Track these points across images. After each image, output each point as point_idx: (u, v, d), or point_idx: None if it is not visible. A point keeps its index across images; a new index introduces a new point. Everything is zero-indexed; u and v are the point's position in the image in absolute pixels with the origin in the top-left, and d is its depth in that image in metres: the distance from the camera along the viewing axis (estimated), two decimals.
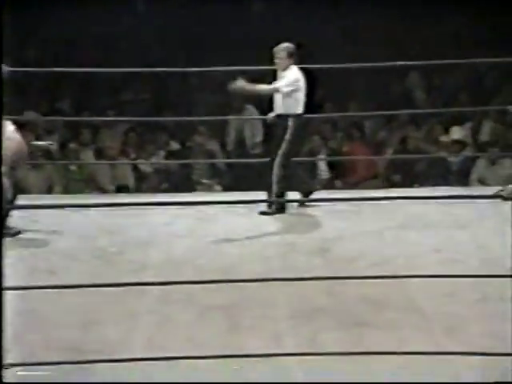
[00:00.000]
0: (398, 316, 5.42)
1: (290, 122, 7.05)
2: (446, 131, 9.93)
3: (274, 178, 7.01)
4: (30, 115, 7.28)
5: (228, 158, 9.95)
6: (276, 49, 7.15)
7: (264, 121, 8.56)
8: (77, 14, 11.32)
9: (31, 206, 7.17)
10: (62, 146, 9.41)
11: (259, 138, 9.95)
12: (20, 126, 6.64)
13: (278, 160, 7.01)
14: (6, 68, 7.13)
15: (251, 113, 9.83)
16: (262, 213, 6.98)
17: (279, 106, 7.14)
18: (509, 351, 4.78)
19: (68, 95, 10.87)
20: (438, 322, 5.37)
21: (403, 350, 4.78)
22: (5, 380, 4.06)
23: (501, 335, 5.09)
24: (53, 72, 8.90)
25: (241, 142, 10.06)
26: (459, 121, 10.08)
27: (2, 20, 3.90)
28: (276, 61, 7.15)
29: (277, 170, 7.01)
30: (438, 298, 5.55)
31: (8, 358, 4.27)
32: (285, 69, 7.10)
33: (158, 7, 11.89)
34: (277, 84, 7.08)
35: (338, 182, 9.61)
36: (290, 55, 7.12)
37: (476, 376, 4.80)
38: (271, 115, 7.25)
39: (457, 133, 9.85)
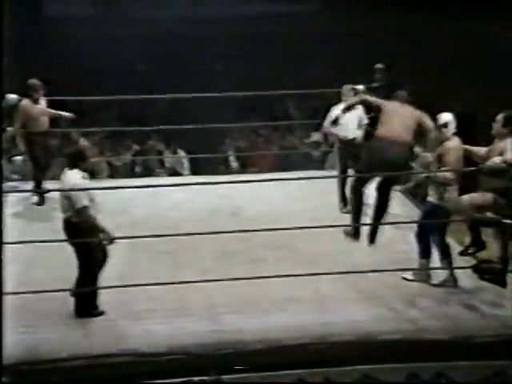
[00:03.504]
0: (283, 254, 5.49)
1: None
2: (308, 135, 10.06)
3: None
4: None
5: None
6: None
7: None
8: None
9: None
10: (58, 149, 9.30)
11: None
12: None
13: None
14: (14, 97, 7.00)
15: None
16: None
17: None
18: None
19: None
20: (306, 256, 5.40)
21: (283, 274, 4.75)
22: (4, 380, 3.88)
23: (345, 263, 5.19)
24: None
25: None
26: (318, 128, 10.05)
27: (2, 20, 3.32)
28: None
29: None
30: (306, 242, 5.54)
31: None
32: None
33: None
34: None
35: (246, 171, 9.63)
36: None
37: (328, 290, 4.92)
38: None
39: (315, 136, 9.79)
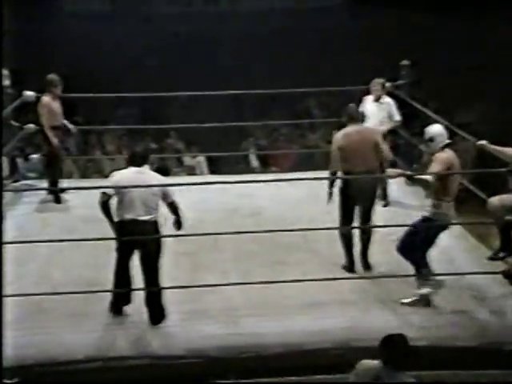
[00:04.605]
0: (303, 256, 5.46)
1: None
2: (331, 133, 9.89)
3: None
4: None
5: None
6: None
7: None
8: None
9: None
10: (77, 146, 9.38)
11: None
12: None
13: None
14: (31, 94, 7.05)
15: None
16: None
17: None
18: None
19: (81, 112, 10.74)
20: (327, 258, 5.41)
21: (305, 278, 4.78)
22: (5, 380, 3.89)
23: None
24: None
25: None
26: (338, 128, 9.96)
27: (2, 20, 3.34)
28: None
29: None
30: (326, 244, 5.53)
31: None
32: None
33: None
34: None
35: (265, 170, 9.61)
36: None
37: (354, 295, 4.90)
38: None
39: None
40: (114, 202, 4.69)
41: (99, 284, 4.88)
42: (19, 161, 7.65)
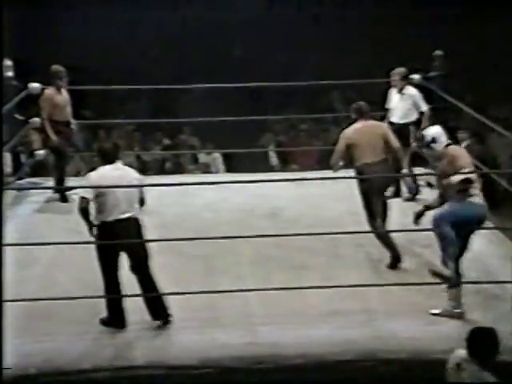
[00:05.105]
0: (325, 260, 5.45)
1: None
2: None
3: None
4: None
5: None
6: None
7: None
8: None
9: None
10: (86, 142, 9.42)
11: None
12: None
13: None
14: (37, 85, 7.07)
15: None
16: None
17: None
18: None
19: (90, 105, 10.79)
20: (351, 263, 5.39)
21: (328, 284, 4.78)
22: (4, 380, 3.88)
23: (395, 271, 5.21)
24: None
25: None
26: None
27: (2, 19, 3.42)
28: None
29: None
30: (351, 247, 5.55)
31: None
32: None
33: None
34: None
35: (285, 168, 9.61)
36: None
37: (377, 301, 4.88)
38: None
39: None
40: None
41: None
42: (23, 157, 7.71)
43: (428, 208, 4.99)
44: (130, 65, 10.77)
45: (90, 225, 4.69)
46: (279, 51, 10.99)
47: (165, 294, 4.75)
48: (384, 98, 6.81)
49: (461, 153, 4.96)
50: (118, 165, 4.82)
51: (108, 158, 4.79)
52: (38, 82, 7.00)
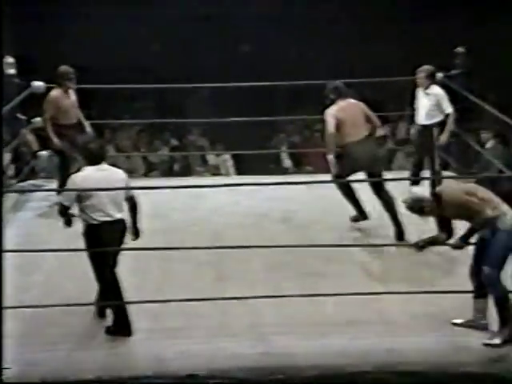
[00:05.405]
0: (341, 267, 5.41)
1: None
2: None
3: None
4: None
5: None
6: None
7: None
8: None
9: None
10: None
11: None
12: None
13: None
14: (41, 84, 7.07)
15: None
16: None
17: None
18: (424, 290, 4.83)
19: (94, 105, 10.80)
20: (368, 271, 5.39)
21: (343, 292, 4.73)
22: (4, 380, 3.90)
23: (415, 280, 5.18)
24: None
25: None
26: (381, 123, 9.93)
27: (2, 18, 3.45)
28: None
29: None
30: (368, 254, 5.53)
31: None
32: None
33: None
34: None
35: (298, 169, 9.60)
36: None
37: (395, 311, 4.86)
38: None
39: (380, 131, 9.71)
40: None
41: None
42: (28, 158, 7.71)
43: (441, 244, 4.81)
44: (136, 63, 10.78)
45: (68, 219, 4.73)
46: (292, 48, 10.97)
47: (173, 300, 4.73)
48: (412, 97, 6.73)
49: (452, 193, 4.66)
50: (104, 165, 4.82)
51: (93, 159, 4.79)
52: (39, 79, 6.99)
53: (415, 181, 6.27)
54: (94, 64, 9.89)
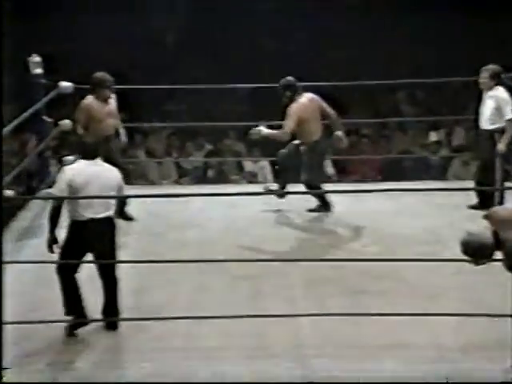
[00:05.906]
0: (389, 285, 5.36)
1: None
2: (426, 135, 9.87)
3: None
4: None
5: None
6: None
7: None
8: None
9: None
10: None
11: None
12: None
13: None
14: (68, 85, 7.10)
15: None
16: None
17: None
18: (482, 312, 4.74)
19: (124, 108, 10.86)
20: (420, 290, 5.30)
21: (393, 312, 4.69)
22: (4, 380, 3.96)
23: (474, 302, 5.07)
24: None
25: None
26: (435, 127, 9.97)
27: (3, 20, 3.49)
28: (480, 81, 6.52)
29: None
30: (421, 271, 5.41)
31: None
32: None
33: None
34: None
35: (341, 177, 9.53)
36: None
37: (450, 334, 4.79)
38: None
39: (434, 136, 9.75)
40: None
41: (140, 308, 4.92)
42: (52, 163, 7.78)
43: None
44: (165, 65, 10.84)
45: (53, 227, 4.75)
46: (336, 47, 10.94)
47: (206, 317, 4.72)
48: (479, 100, 6.59)
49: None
50: (97, 161, 4.90)
51: (87, 154, 4.88)
52: (64, 80, 7.04)
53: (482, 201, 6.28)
54: (124, 65, 9.97)
